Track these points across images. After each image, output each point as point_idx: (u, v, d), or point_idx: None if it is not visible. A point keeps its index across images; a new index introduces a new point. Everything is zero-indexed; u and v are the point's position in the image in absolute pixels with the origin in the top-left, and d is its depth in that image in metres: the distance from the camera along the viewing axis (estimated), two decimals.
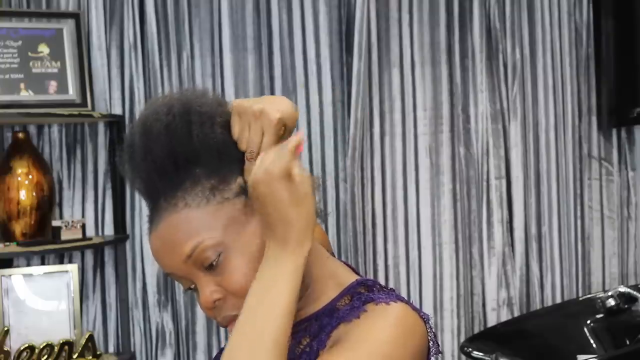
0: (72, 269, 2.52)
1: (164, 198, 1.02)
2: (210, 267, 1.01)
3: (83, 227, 2.48)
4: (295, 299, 0.96)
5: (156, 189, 1.03)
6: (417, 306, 1.05)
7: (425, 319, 1.03)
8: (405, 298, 1.05)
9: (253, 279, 0.97)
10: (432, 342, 1.04)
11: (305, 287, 1.05)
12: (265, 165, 0.96)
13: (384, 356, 0.96)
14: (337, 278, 1.08)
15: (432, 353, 1.05)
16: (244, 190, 1.01)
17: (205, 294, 1.02)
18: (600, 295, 2.34)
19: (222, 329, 2.66)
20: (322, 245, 1.22)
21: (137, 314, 2.66)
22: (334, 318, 1.02)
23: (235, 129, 1.04)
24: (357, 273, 1.16)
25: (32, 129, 2.60)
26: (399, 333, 0.98)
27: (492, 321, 2.85)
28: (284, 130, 1.04)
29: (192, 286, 1.04)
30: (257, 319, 0.94)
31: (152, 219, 1.04)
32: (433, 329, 1.05)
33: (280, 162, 0.95)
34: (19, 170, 2.46)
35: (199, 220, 1.00)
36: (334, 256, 1.19)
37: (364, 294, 1.04)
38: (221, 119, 1.03)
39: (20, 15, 2.57)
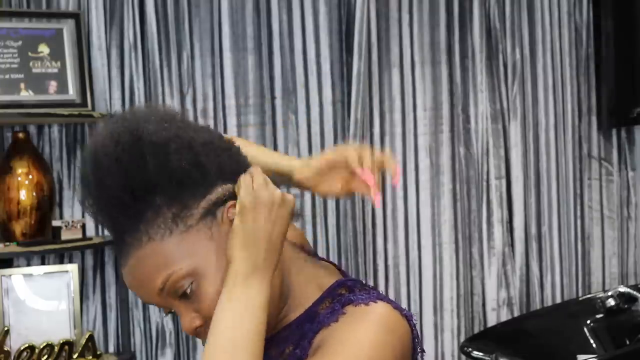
0: (72, 269, 2.52)
1: (128, 233, 0.99)
2: (185, 296, 1.00)
3: (83, 227, 2.48)
4: (266, 316, 0.97)
5: (119, 224, 1.01)
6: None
7: (407, 317, 1.02)
8: (387, 296, 1.04)
9: None
10: (416, 340, 1.03)
11: (285, 296, 1.05)
12: (262, 187, 1.00)
13: (366, 358, 0.95)
14: (317, 281, 1.07)
15: (417, 351, 1.04)
16: (207, 213, 1.00)
17: (186, 323, 1.02)
18: (600, 295, 2.35)
19: None
20: (303, 241, 1.22)
21: (137, 314, 2.66)
22: (315, 323, 1.01)
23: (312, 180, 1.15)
24: (341, 271, 1.15)
25: (32, 129, 2.60)
26: (380, 333, 0.97)
27: (492, 321, 2.85)
28: None
29: (172, 311, 1.04)
30: (234, 344, 0.94)
31: (120, 254, 1.02)
32: (415, 327, 1.04)
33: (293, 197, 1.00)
34: (19, 170, 2.46)
35: (165, 253, 0.98)
36: (315, 255, 1.17)
37: (344, 295, 1.02)
38: (175, 144, 0.99)
39: (20, 15, 2.57)
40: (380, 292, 1.05)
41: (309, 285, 1.07)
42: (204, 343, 1.00)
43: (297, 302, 1.05)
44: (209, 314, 0.99)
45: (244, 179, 1.00)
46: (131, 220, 0.99)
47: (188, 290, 0.99)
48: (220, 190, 1.01)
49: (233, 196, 1.01)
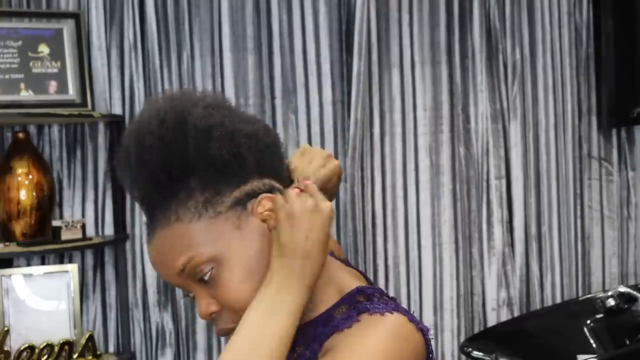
0: (72, 269, 2.52)
1: (159, 209, 1.02)
2: (204, 281, 1.01)
3: (83, 227, 2.48)
4: (294, 331, 0.97)
5: (151, 200, 1.03)
6: (419, 307, 1.05)
7: (423, 330, 1.01)
8: (405, 308, 1.03)
9: (248, 293, 0.99)
10: (431, 355, 1.03)
11: None
12: (315, 194, 1.00)
13: None
14: (337, 285, 1.07)
15: None
16: (238, 202, 1.01)
17: (202, 307, 1.02)
18: (600, 295, 2.34)
19: None
20: (336, 250, 1.22)
21: (137, 314, 2.66)
22: (328, 327, 1.01)
23: (296, 160, 1.12)
24: (367, 279, 1.14)
25: (32, 129, 2.60)
26: (390, 343, 0.97)
27: (492, 321, 2.85)
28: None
29: (190, 294, 1.04)
30: (255, 345, 0.95)
31: (149, 229, 1.04)
32: (430, 341, 1.04)
33: (329, 204, 1.00)
34: (19, 170, 2.46)
35: (191, 236, 1.00)
36: (347, 262, 1.18)
37: (362, 303, 1.02)
38: (218, 132, 1.01)
39: (20, 15, 2.57)
40: (399, 304, 1.05)
41: (328, 289, 1.06)
42: (217, 330, 1.03)
43: (315, 303, 1.05)
44: (226, 302, 1.01)
45: (287, 192, 1.02)
46: (164, 198, 1.01)
47: (207, 276, 1.00)
48: (255, 184, 1.02)
49: (267, 191, 1.03)
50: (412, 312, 1.04)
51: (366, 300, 1.03)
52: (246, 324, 0.96)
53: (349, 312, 1.01)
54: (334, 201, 2.83)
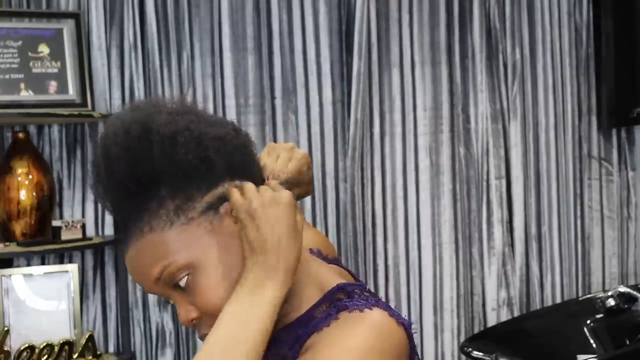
0: (72, 269, 2.52)
1: (132, 221, 1.01)
2: (181, 288, 1.01)
3: (83, 227, 2.48)
4: (271, 326, 0.97)
5: (124, 212, 1.02)
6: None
7: (405, 325, 1.00)
8: (386, 304, 1.02)
9: (225, 298, 0.98)
10: (414, 349, 1.02)
11: (286, 296, 1.04)
12: (277, 191, 1.01)
13: None
14: (319, 283, 1.06)
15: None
16: (210, 207, 1.01)
17: (182, 314, 1.03)
18: (600, 295, 2.35)
19: None
20: (324, 248, 1.22)
21: (137, 314, 2.66)
22: (309, 327, 1.00)
23: (264, 159, 1.13)
24: (353, 275, 1.14)
25: (32, 129, 2.60)
26: (370, 340, 0.95)
27: (492, 321, 2.85)
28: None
29: (171, 301, 1.05)
30: (229, 345, 0.95)
31: (123, 241, 1.04)
32: (413, 335, 1.02)
33: (288, 193, 1.01)
34: (19, 170, 2.46)
35: (164, 244, 0.99)
36: (336, 261, 1.18)
37: (342, 300, 1.02)
38: (183, 137, 1.00)
39: (20, 15, 2.57)
40: (380, 299, 1.04)
41: (309, 288, 1.06)
42: (200, 336, 1.02)
43: (297, 304, 1.05)
44: (205, 308, 1.00)
45: (232, 192, 1.01)
46: (136, 209, 1.01)
47: (182, 283, 1.00)
48: (226, 186, 1.02)
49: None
50: (393, 307, 1.03)
51: (346, 297, 1.03)
52: (222, 323, 0.96)
53: (328, 311, 1.00)
54: (333, 201, 2.82)
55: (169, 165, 0.99)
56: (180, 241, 0.99)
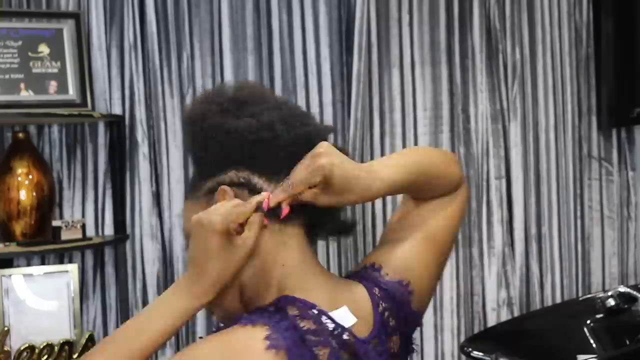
0: (72, 269, 2.52)
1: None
2: None
3: (83, 227, 2.48)
4: (170, 331, 1.05)
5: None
6: None
7: (275, 347, 0.98)
8: (286, 326, 1.01)
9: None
10: None
11: (246, 295, 1.11)
12: (218, 211, 1.04)
13: None
14: (280, 294, 1.09)
15: None
16: (210, 191, 1.11)
17: None
18: (600, 295, 2.34)
19: None
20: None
21: None
22: None
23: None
24: (375, 300, 1.14)
25: (32, 129, 2.60)
26: (212, 355, 0.98)
27: (492, 321, 2.85)
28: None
29: None
30: (124, 336, 1.06)
31: None
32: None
33: (230, 216, 1.03)
34: (19, 170, 2.46)
35: (184, 210, 1.17)
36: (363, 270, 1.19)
37: (254, 312, 1.06)
38: (198, 127, 1.12)
39: (20, 15, 2.57)
40: (282, 320, 1.03)
41: (267, 296, 1.10)
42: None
43: (251, 307, 1.11)
44: None
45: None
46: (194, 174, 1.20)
47: None
48: (231, 175, 1.10)
49: (240, 184, 1.10)
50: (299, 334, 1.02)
51: (265, 310, 1.05)
52: (132, 319, 1.09)
53: (233, 321, 1.05)
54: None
55: (197, 151, 1.15)
56: (188, 213, 1.13)
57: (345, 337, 1.05)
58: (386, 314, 1.14)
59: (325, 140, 1.12)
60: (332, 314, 1.07)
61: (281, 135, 1.10)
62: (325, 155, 1.07)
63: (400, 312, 1.16)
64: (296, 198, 1.07)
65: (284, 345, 0.99)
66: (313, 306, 1.06)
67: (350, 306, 1.11)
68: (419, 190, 1.25)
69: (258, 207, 1.05)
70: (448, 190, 1.27)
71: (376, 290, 1.16)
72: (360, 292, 1.15)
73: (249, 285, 1.10)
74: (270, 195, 1.06)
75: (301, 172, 1.07)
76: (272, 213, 1.07)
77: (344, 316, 1.09)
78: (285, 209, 1.06)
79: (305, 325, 1.03)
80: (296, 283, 1.09)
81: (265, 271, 1.10)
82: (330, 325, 1.05)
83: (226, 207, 1.04)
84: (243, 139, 1.09)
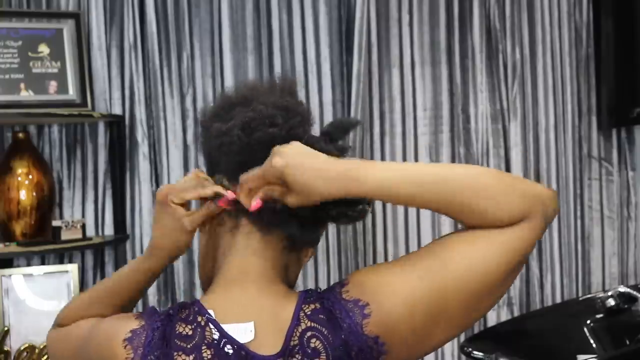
0: (72, 269, 2.52)
1: None
2: None
3: (83, 227, 2.48)
4: (125, 282, 1.22)
5: None
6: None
7: (130, 343, 1.07)
8: (157, 326, 1.08)
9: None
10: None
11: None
12: (172, 184, 1.23)
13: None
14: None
15: None
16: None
17: None
18: (600, 295, 2.34)
19: None
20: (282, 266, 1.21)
21: None
22: None
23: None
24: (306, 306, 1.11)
25: (32, 129, 2.60)
26: (79, 338, 1.18)
27: (492, 321, 2.85)
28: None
29: None
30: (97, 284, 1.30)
31: None
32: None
33: (176, 189, 1.14)
34: (19, 170, 2.46)
35: None
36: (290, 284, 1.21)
37: (151, 306, 1.17)
38: (213, 129, 1.17)
39: (20, 15, 2.57)
40: (154, 309, 1.14)
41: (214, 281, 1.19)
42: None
43: None
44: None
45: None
46: None
47: None
48: (216, 178, 1.16)
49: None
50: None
51: (176, 307, 1.13)
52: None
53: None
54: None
55: (207, 151, 1.22)
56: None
57: (227, 349, 1.05)
58: (308, 334, 1.06)
59: (301, 140, 1.09)
60: (229, 326, 1.07)
61: (239, 140, 1.12)
62: (279, 155, 1.05)
63: (338, 334, 1.06)
64: (269, 196, 1.08)
65: (139, 343, 1.07)
66: (205, 313, 1.08)
67: (269, 323, 1.08)
68: (437, 208, 1.13)
69: (216, 197, 1.12)
70: (499, 219, 1.11)
71: (308, 308, 1.08)
72: (288, 309, 1.09)
73: (213, 267, 1.19)
74: (235, 194, 1.11)
75: (255, 170, 1.08)
76: (242, 209, 1.11)
77: (243, 331, 1.07)
78: (257, 203, 1.08)
79: (180, 329, 1.07)
80: (217, 287, 1.15)
81: (218, 262, 1.17)
82: (215, 335, 1.06)
83: (184, 180, 1.15)
84: (211, 144, 1.17)
